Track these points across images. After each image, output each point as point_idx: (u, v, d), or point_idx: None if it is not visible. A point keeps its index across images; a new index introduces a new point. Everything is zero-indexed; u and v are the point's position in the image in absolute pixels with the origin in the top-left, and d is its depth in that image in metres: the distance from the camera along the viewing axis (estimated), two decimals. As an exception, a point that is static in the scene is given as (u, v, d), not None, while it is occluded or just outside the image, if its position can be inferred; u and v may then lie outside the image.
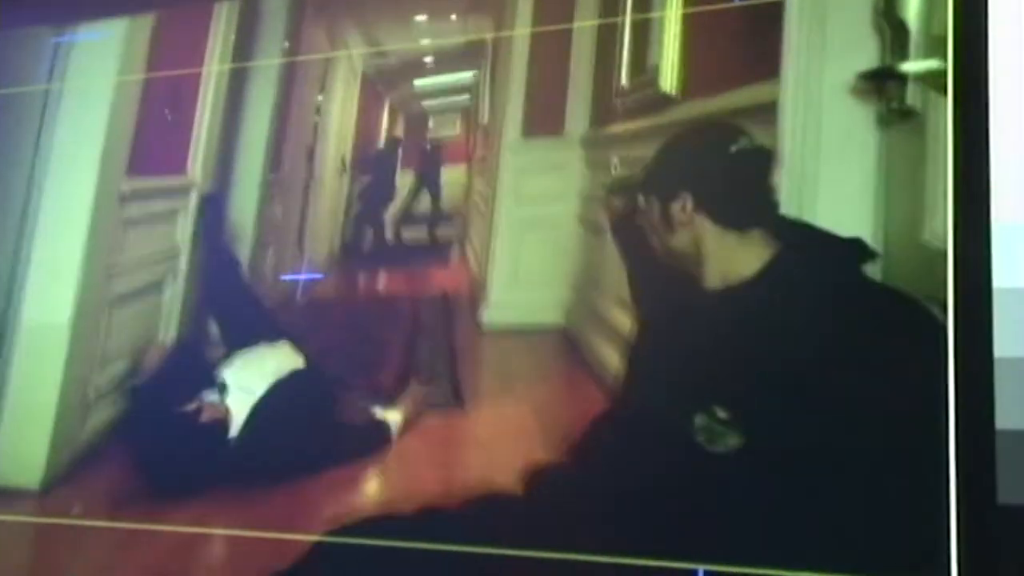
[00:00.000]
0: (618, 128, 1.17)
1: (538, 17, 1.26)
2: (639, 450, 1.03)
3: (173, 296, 1.42)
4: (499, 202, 1.24)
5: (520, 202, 1.20)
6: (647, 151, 1.11)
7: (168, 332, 1.40)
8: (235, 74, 1.47)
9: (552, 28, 1.24)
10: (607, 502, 1.02)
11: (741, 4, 1.09)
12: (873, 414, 0.92)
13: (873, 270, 0.96)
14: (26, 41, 1.57)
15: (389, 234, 1.36)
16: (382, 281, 1.33)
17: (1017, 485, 0.89)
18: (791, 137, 1.01)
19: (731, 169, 1.07)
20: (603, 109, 1.18)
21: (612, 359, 1.07)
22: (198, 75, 1.49)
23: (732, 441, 0.97)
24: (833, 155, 1.00)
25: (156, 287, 1.43)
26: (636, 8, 1.18)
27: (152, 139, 1.48)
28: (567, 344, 1.11)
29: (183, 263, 1.43)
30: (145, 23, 1.51)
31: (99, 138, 1.49)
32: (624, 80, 1.18)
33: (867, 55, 1.00)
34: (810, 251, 1.02)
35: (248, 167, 1.45)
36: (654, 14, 1.16)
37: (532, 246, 1.19)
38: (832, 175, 1.00)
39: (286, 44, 1.46)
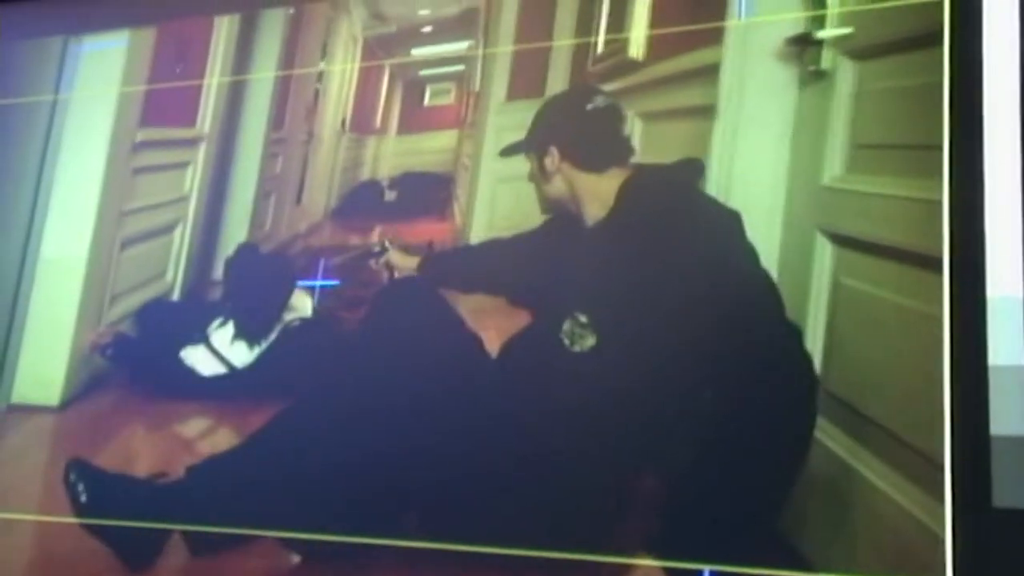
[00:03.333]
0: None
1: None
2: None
3: (182, 239, 1.54)
4: (482, 159, 1.37)
5: (499, 158, 1.34)
6: None
7: (176, 272, 1.52)
8: (242, 31, 1.58)
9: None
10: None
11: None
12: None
13: (775, 207, 1.11)
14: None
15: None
16: (375, 234, 1.45)
17: (1011, 489, 0.91)
18: (726, 94, 1.18)
19: (588, 123, 1.28)
20: (579, 74, 1.33)
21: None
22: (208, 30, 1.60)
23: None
24: (757, 110, 1.16)
25: (166, 230, 1.55)
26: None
27: (163, 93, 1.59)
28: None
29: (191, 209, 1.55)
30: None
31: (114, 92, 1.60)
32: (600, 48, 1.32)
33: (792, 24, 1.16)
34: (652, 173, 1.22)
35: (252, 125, 1.56)
36: None
37: (505, 196, 1.34)
38: (754, 127, 1.16)
39: (291, 11, 1.56)
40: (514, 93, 1.39)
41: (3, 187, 1.60)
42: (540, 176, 1.29)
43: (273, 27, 1.57)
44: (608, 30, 1.31)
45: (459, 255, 1.36)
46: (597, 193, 1.24)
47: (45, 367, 1.49)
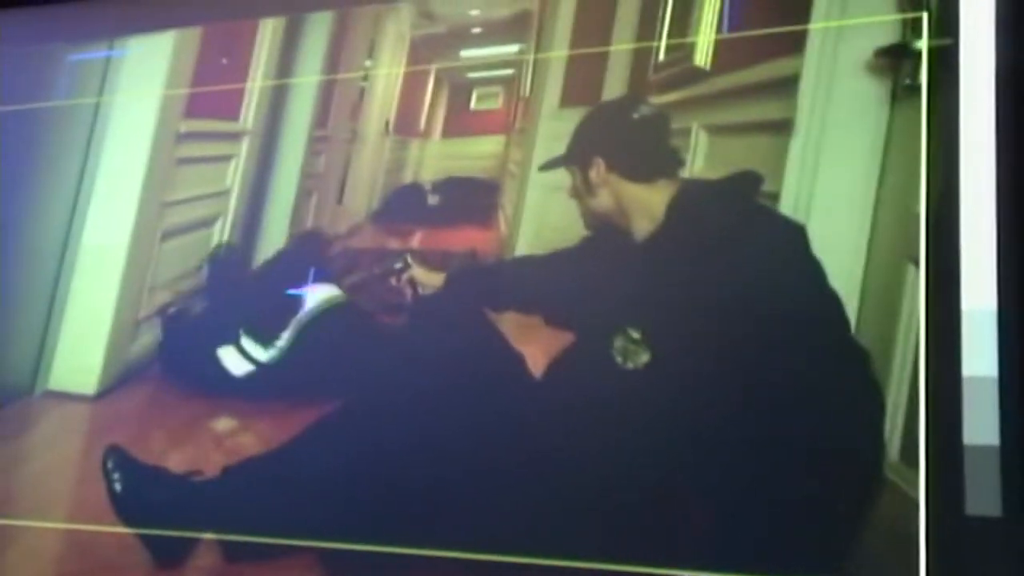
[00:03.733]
0: (652, 100, 1.28)
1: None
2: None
3: (221, 233, 1.54)
4: (532, 167, 1.34)
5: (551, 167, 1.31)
6: (677, 123, 1.24)
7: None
8: (289, 28, 1.57)
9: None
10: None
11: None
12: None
13: (861, 238, 1.05)
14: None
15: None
16: (417, 238, 1.44)
17: (984, 498, 0.94)
18: (807, 108, 1.11)
19: (635, 132, 1.26)
20: (639, 82, 1.28)
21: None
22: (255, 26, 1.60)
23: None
24: (842, 128, 1.10)
25: (206, 223, 1.55)
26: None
27: (208, 85, 1.59)
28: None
29: (232, 204, 1.54)
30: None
31: (159, 83, 1.60)
32: (662, 55, 1.28)
33: (884, 33, 1.09)
34: (705, 186, 1.18)
35: (296, 121, 1.55)
36: None
37: (556, 207, 1.29)
38: (839, 147, 1.09)
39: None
40: (568, 100, 1.35)
41: (47, 178, 1.60)
42: (584, 190, 1.25)
43: (321, 24, 1.55)
44: (671, 36, 1.26)
45: (489, 273, 1.33)
46: (647, 205, 1.20)
47: (83, 355, 1.50)
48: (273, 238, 1.50)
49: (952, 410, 0.97)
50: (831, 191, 1.08)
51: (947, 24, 1.05)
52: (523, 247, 1.33)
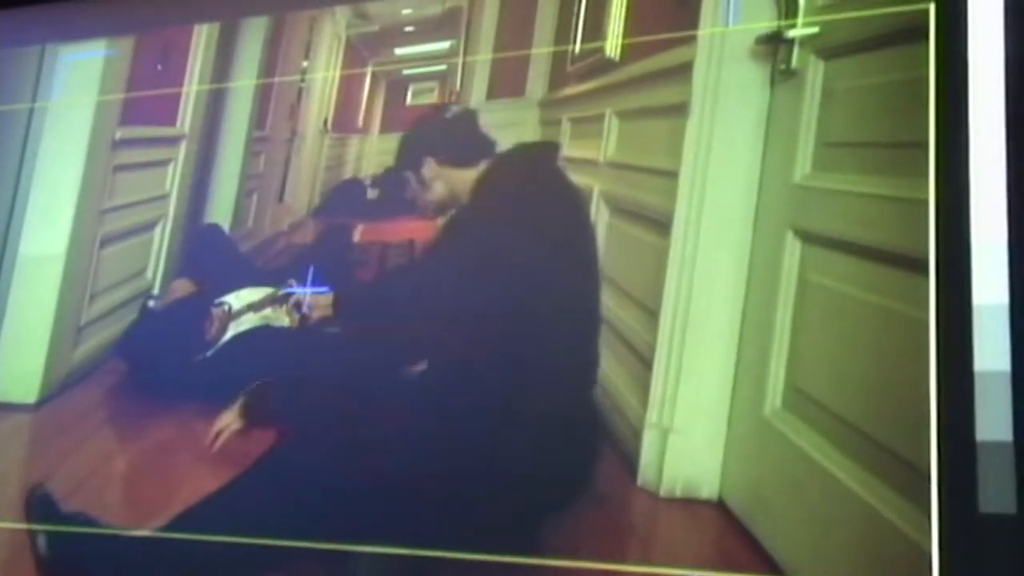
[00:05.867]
0: (569, 91, 1.36)
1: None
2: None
3: (162, 237, 1.53)
4: None
5: None
6: (591, 111, 1.31)
7: (156, 270, 1.51)
8: (224, 32, 1.58)
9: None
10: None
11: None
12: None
13: (747, 205, 1.13)
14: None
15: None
16: (358, 232, 1.45)
17: (998, 495, 0.92)
18: (700, 93, 1.20)
19: (450, 128, 1.42)
20: (559, 73, 1.36)
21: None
22: (189, 32, 1.60)
23: None
24: (729, 108, 1.18)
25: (146, 228, 1.54)
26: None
27: (144, 90, 1.58)
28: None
29: (172, 207, 1.54)
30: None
31: (93, 100, 1.59)
32: (578, 49, 1.35)
33: (767, 22, 1.18)
34: (513, 154, 1.33)
35: (234, 123, 1.56)
36: None
37: None
38: (726, 126, 1.17)
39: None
40: (495, 92, 1.41)
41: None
42: (421, 188, 1.38)
43: (256, 29, 1.56)
44: (585, 37, 1.33)
45: (368, 293, 1.40)
46: (468, 184, 1.35)
47: (23, 364, 1.48)
48: (214, 239, 1.51)
49: (964, 406, 0.94)
50: (722, 167, 1.16)
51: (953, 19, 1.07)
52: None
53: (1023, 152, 1.00)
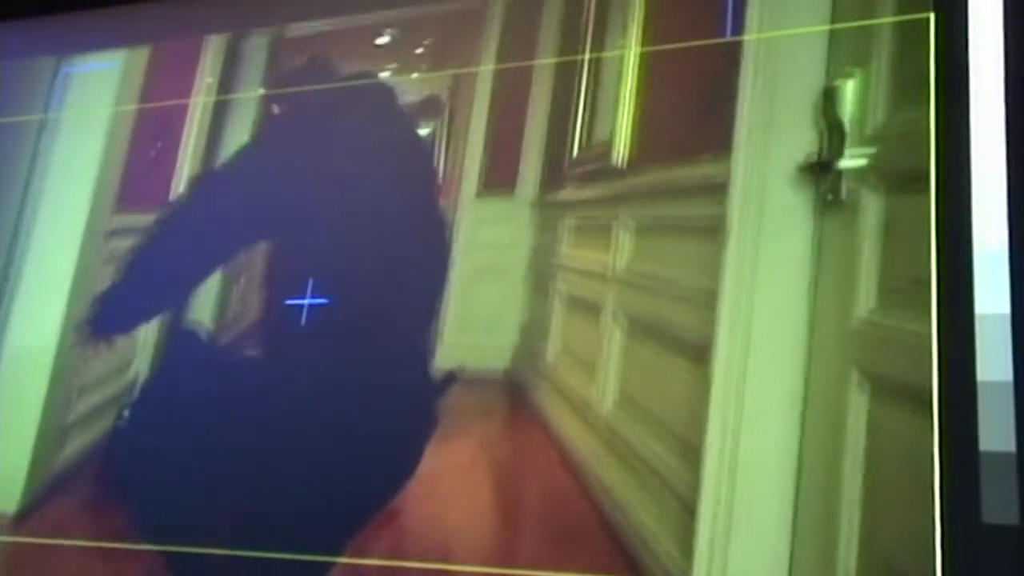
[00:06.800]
0: (569, 195, 1.27)
1: (497, 78, 1.34)
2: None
3: (148, 334, 1.45)
4: (454, 251, 1.29)
5: (474, 250, 1.28)
6: (596, 218, 1.22)
7: (142, 363, 1.44)
8: (216, 110, 1.52)
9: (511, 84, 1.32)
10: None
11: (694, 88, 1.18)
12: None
13: (799, 346, 1.03)
14: (27, 70, 1.63)
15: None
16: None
17: (1001, 506, 0.91)
18: (738, 214, 1.11)
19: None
20: (554, 173, 1.27)
21: (554, 405, 1.17)
22: (185, 107, 1.55)
23: None
24: (773, 234, 1.09)
25: None
26: (590, 84, 1.27)
27: (140, 174, 1.53)
28: (512, 388, 1.20)
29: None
30: (142, 54, 1.57)
31: (92, 173, 1.54)
32: (576, 151, 1.26)
33: (807, 145, 1.10)
34: None
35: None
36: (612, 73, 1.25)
37: (482, 293, 1.26)
38: (772, 253, 1.08)
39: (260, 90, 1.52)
40: (487, 186, 1.31)
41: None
42: None
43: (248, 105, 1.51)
44: (584, 133, 1.26)
45: None
46: None
47: (5, 469, 1.41)
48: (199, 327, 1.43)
49: (967, 416, 0.94)
50: (770, 297, 1.07)
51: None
52: (449, 332, 1.29)
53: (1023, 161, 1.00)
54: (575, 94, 1.27)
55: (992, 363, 0.95)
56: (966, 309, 0.97)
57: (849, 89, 1.08)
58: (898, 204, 1.03)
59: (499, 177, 1.30)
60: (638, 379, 1.11)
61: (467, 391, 1.19)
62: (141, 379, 1.41)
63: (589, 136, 1.26)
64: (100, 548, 1.29)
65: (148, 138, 1.55)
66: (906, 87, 1.06)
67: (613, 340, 1.14)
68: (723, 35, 1.19)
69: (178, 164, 1.52)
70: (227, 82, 1.53)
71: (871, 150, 1.06)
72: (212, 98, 1.53)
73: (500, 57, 1.34)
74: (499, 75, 1.34)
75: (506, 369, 1.20)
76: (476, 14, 1.37)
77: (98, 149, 1.56)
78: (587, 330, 1.16)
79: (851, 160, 1.07)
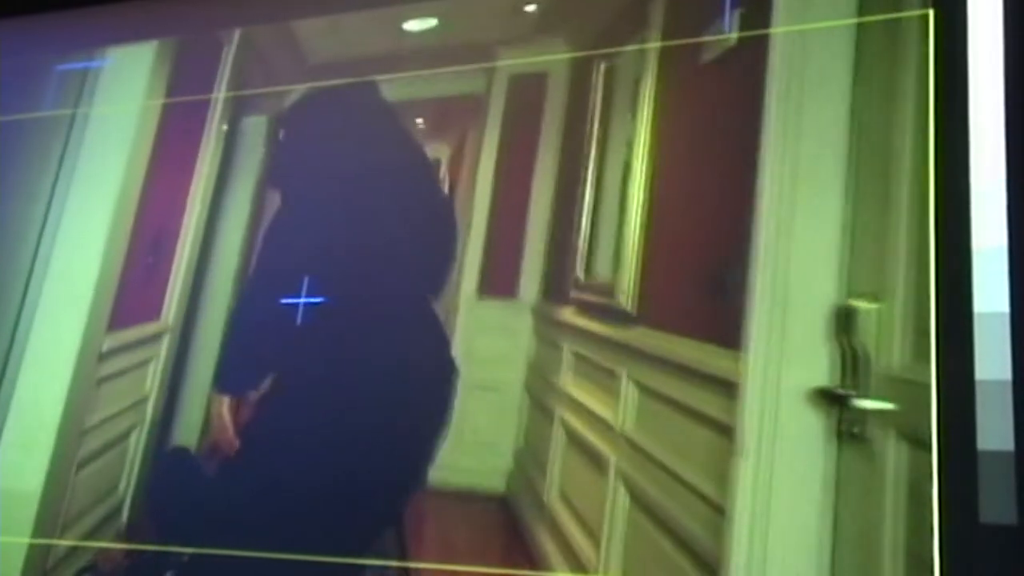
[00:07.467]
0: (571, 319, 1.19)
1: (498, 175, 1.29)
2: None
3: (137, 443, 1.34)
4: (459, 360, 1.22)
5: (470, 364, 1.21)
6: (601, 359, 1.14)
7: (129, 482, 1.31)
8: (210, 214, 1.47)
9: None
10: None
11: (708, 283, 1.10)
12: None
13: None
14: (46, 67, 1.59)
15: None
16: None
17: (999, 505, 0.90)
18: (752, 426, 1.01)
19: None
20: (557, 288, 1.21)
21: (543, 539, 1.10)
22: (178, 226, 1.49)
23: None
24: (789, 455, 1.00)
25: (123, 437, 1.36)
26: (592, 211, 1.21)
27: (132, 291, 1.45)
28: (506, 512, 1.13)
29: (150, 409, 1.36)
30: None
31: (87, 294, 1.46)
32: (580, 273, 1.20)
33: (824, 365, 1.00)
34: None
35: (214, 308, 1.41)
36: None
37: (479, 409, 1.18)
38: (790, 473, 0.99)
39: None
40: (486, 290, 1.25)
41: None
42: None
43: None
44: (587, 256, 1.18)
45: None
46: None
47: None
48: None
49: (965, 415, 0.93)
50: (787, 524, 0.97)
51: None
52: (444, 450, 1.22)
53: (1023, 159, 0.99)
54: (577, 216, 1.22)
55: (991, 362, 0.93)
56: (965, 308, 0.95)
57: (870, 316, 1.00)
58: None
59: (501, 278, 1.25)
60: (643, 565, 1.02)
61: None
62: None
63: (591, 264, 1.19)
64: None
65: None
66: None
67: (618, 506, 1.06)
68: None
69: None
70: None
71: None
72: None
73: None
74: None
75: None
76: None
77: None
78: (592, 482, 1.09)
79: (874, 402, 0.98)
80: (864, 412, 0.96)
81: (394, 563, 1.09)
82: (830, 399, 0.98)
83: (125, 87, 1.55)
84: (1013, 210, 0.98)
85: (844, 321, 0.99)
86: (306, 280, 1.29)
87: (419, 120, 1.38)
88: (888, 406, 0.96)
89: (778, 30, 1.12)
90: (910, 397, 0.95)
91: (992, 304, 0.95)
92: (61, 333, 1.44)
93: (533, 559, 1.08)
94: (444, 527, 1.13)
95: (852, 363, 0.98)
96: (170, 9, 1.56)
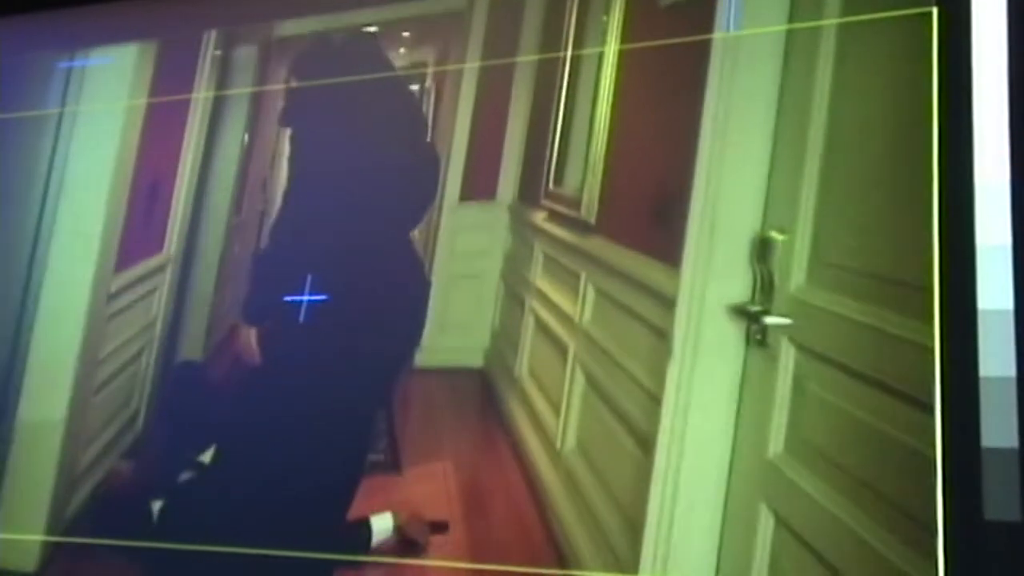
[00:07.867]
0: (542, 223, 1.31)
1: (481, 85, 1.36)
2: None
3: (147, 364, 1.41)
4: (436, 258, 1.33)
5: (453, 257, 1.33)
6: (565, 261, 1.27)
7: (142, 399, 1.38)
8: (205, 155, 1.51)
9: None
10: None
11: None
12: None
13: (721, 473, 1.08)
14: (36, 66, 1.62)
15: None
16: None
17: (1003, 502, 0.90)
18: (680, 332, 1.13)
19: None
20: (530, 194, 1.31)
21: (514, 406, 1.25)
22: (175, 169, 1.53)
23: None
24: (709, 357, 1.12)
25: (134, 359, 1.42)
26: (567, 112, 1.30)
27: (136, 229, 1.50)
28: (484, 384, 1.27)
29: (158, 330, 1.42)
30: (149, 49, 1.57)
31: (95, 239, 1.51)
32: (551, 184, 1.30)
33: (743, 285, 1.12)
34: None
35: (212, 238, 1.46)
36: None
37: (460, 297, 1.30)
38: (707, 374, 1.12)
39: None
40: (467, 194, 1.34)
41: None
42: None
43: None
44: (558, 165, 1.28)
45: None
46: None
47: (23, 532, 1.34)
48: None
49: (969, 412, 0.93)
50: (699, 430, 1.11)
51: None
52: (428, 334, 1.34)
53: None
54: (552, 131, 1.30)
55: (995, 359, 0.93)
56: (969, 305, 0.95)
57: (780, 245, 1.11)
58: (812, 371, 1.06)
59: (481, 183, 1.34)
60: (593, 436, 1.16)
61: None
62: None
63: (560, 176, 1.29)
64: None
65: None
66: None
67: (575, 385, 1.20)
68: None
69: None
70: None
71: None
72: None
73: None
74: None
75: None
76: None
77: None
78: (555, 364, 1.22)
79: (776, 318, 1.09)
80: (768, 325, 1.08)
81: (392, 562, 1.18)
82: (744, 314, 1.10)
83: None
84: (1017, 207, 0.97)
85: (761, 249, 1.10)
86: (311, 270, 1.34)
87: (405, 33, 1.42)
88: (787, 321, 1.07)
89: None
90: (803, 314, 1.06)
91: (997, 301, 0.95)
92: (75, 276, 1.49)
93: (505, 424, 1.23)
94: (429, 398, 1.26)
95: (764, 285, 1.09)
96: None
